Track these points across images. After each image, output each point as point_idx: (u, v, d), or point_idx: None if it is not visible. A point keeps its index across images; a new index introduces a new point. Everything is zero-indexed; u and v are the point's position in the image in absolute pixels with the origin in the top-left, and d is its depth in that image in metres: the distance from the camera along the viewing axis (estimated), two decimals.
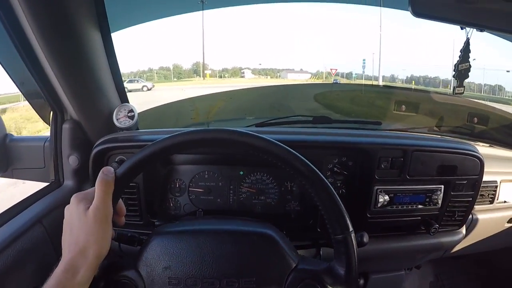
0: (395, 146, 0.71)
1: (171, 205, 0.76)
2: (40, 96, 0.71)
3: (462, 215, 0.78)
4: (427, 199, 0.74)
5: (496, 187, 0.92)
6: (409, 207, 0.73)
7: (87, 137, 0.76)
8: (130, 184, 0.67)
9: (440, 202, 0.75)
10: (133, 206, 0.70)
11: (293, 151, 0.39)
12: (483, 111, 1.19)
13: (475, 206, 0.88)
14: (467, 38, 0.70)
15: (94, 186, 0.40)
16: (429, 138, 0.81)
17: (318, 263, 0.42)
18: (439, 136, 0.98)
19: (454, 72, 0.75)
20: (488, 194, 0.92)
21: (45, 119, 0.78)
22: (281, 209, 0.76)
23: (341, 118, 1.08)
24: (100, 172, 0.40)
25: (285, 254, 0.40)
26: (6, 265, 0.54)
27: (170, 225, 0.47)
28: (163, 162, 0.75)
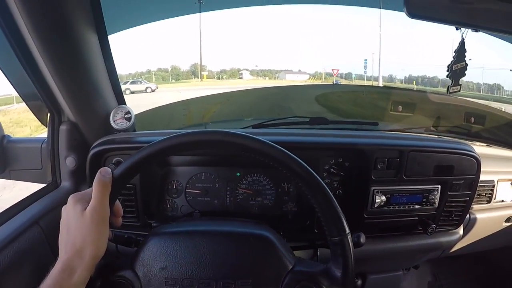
0: (391, 146, 0.71)
1: (168, 206, 0.76)
2: (37, 97, 0.71)
3: (459, 215, 0.79)
4: (424, 199, 0.74)
5: (494, 186, 0.92)
6: (406, 208, 0.74)
7: (84, 139, 0.76)
8: (127, 185, 0.68)
9: (437, 202, 0.75)
10: (130, 207, 0.70)
11: (289, 153, 0.39)
12: (480, 110, 1.19)
13: (472, 206, 0.88)
14: (462, 38, 0.70)
15: (91, 187, 0.40)
16: (425, 138, 0.81)
17: (315, 265, 0.42)
18: (436, 136, 0.98)
19: (447, 72, 0.76)
20: (486, 194, 0.92)
21: (42, 120, 0.79)
22: (278, 210, 0.76)
23: (338, 119, 1.08)
24: (97, 172, 0.40)
25: (282, 255, 0.40)
26: (3, 266, 0.54)
27: (167, 225, 0.47)
28: (160, 163, 0.75)
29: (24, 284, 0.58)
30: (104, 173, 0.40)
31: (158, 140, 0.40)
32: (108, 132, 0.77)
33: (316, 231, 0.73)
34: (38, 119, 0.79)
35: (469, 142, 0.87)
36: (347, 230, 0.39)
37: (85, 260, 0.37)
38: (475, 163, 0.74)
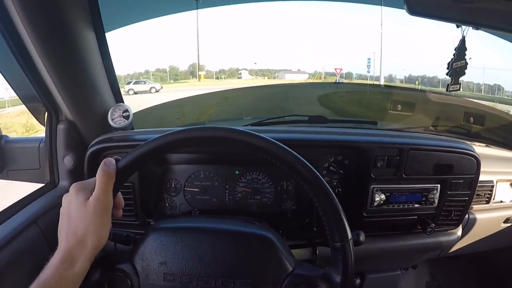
0: (391, 144, 0.71)
1: (167, 205, 0.76)
2: (35, 96, 0.71)
3: (458, 215, 0.78)
4: (424, 198, 0.74)
5: (493, 187, 0.92)
6: (405, 206, 0.73)
7: (82, 138, 0.76)
8: (125, 184, 0.67)
9: (436, 201, 0.75)
10: (129, 206, 0.70)
11: (296, 154, 0.39)
12: (479, 111, 1.19)
13: (471, 206, 0.88)
14: (462, 36, 0.70)
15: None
16: (425, 137, 0.81)
17: (315, 269, 0.42)
18: (436, 135, 0.98)
19: (448, 71, 0.75)
20: (485, 194, 0.92)
21: (40, 119, 0.78)
22: (277, 209, 0.76)
23: (337, 118, 1.08)
24: (101, 163, 0.40)
25: (282, 257, 0.40)
26: (1, 266, 0.54)
27: (168, 221, 0.47)
28: (159, 161, 0.75)
29: (23, 283, 0.57)
30: (108, 164, 0.40)
31: (165, 133, 0.40)
32: (106, 130, 0.76)
33: (315, 229, 0.72)
34: (36, 118, 0.79)
35: (468, 142, 0.87)
36: (350, 237, 0.39)
37: (87, 250, 0.37)
38: (475, 163, 0.74)
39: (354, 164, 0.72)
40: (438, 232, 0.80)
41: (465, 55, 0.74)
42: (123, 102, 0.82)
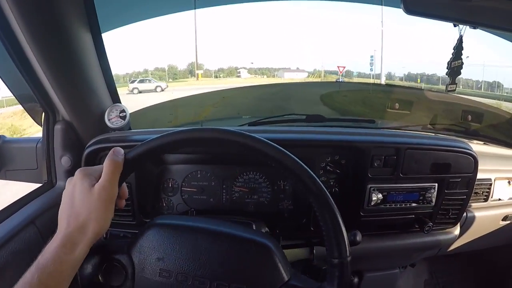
0: (388, 144, 0.70)
1: (164, 205, 0.76)
2: (32, 97, 0.71)
3: (456, 213, 0.78)
4: (421, 197, 0.74)
5: (491, 185, 0.92)
6: (403, 205, 0.73)
7: (79, 138, 0.76)
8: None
9: (434, 200, 0.74)
10: (126, 206, 0.69)
11: (304, 166, 0.39)
12: (477, 108, 1.19)
13: (469, 204, 0.88)
14: (460, 36, 0.70)
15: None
16: (422, 136, 0.81)
17: (310, 282, 0.42)
18: (433, 134, 0.98)
19: (447, 70, 0.75)
20: (483, 192, 0.92)
21: (37, 120, 0.78)
22: (274, 208, 0.76)
23: (335, 117, 1.08)
24: (110, 151, 0.40)
25: (279, 267, 0.40)
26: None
27: (170, 217, 0.46)
28: (156, 161, 0.75)
29: None
30: (117, 153, 0.40)
31: (175, 131, 0.40)
32: (103, 131, 0.76)
33: (312, 229, 0.72)
34: (33, 119, 0.79)
35: (466, 140, 0.87)
36: (348, 254, 0.39)
37: (87, 236, 0.37)
38: (472, 161, 0.74)
39: (351, 164, 0.71)
40: (436, 231, 0.80)
41: (462, 54, 0.74)
42: (120, 102, 0.82)
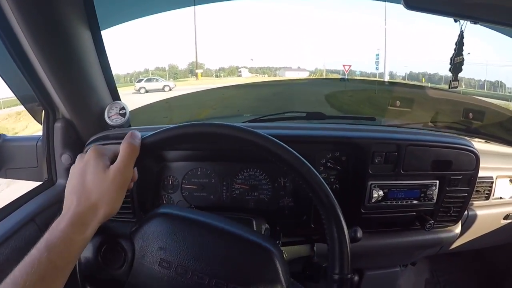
0: (389, 140, 0.70)
1: (164, 202, 0.76)
2: (32, 95, 0.71)
3: (457, 211, 0.78)
4: (422, 195, 0.74)
5: (492, 183, 0.91)
6: (404, 203, 0.73)
7: (79, 136, 0.76)
8: None
9: (435, 197, 0.74)
10: (126, 203, 0.70)
11: (319, 176, 0.39)
12: (478, 106, 1.18)
13: (471, 202, 0.87)
14: (461, 31, 0.69)
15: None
16: (423, 132, 0.80)
17: None
18: (435, 131, 0.97)
19: (450, 66, 0.75)
20: (484, 190, 0.91)
21: (37, 118, 0.78)
22: (274, 205, 0.76)
23: (335, 114, 1.08)
24: (127, 134, 0.39)
25: (279, 274, 0.40)
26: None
27: (179, 208, 0.46)
28: (156, 158, 0.75)
29: None
30: (134, 137, 0.39)
31: (193, 123, 0.40)
32: (103, 128, 0.76)
33: (312, 226, 0.72)
34: (33, 117, 0.79)
35: (467, 138, 0.86)
36: (349, 272, 0.39)
37: (98, 217, 0.36)
38: (474, 158, 0.74)
39: (351, 160, 0.71)
40: (437, 229, 0.79)
41: (463, 50, 0.73)
42: (119, 99, 0.82)
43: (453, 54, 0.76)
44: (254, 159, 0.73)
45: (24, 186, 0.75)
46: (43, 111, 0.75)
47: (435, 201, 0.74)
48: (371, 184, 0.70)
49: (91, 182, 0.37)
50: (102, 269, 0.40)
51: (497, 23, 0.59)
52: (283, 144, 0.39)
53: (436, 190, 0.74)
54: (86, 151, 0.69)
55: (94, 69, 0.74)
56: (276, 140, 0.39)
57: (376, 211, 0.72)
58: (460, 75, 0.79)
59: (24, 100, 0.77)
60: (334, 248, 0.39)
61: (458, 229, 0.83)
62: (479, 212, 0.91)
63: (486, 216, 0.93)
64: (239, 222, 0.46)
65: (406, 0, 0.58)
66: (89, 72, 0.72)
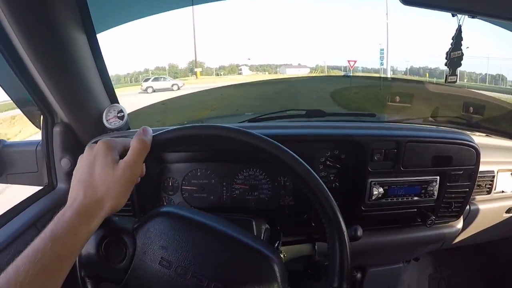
0: (388, 137, 0.70)
1: (165, 204, 0.76)
2: (30, 100, 0.71)
3: (459, 206, 0.78)
4: (423, 191, 0.73)
5: (493, 177, 0.91)
6: (405, 199, 0.73)
7: (78, 139, 0.76)
8: None
9: (436, 193, 0.74)
10: (126, 205, 0.69)
11: (325, 189, 0.39)
12: (479, 100, 1.18)
13: (472, 197, 0.87)
14: (459, 25, 0.68)
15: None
16: (423, 128, 0.80)
17: None
18: (435, 126, 0.97)
19: (446, 60, 0.74)
20: (485, 184, 0.91)
21: (35, 123, 0.78)
22: (274, 205, 0.76)
23: (335, 111, 1.07)
24: (139, 130, 0.39)
25: (278, 283, 0.40)
26: (1, 269, 0.54)
27: (184, 208, 0.46)
28: (156, 160, 0.75)
29: None
30: (146, 133, 0.39)
31: (206, 124, 0.40)
32: (101, 131, 0.76)
33: (313, 224, 0.72)
34: (32, 122, 0.79)
35: (468, 133, 0.86)
36: (348, 285, 0.39)
37: (104, 210, 0.36)
38: (474, 153, 0.73)
39: (351, 158, 0.71)
40: (439, 224, 0.79)
41: (461, 45, 0.72)
42: (117, 102, 0.82)
43: (450, 48, 0.76)
44: (254, 159, 0.73)
45: (19, 193, 0.75)
46: (41, 116, 0.75)
47: (436, 197, 0.74)
48: (371, 181, 0.70)
49: (99, 176, 0.37)
50: (102, 262, 0.40)
51: (494, 17, 0.58)
52: (292, 154, 0.39)
53: (437, 186, 0.74)
54: None
55: (91, 72, 0.73)
56: (285, 148, 0.39)
57: (376, 208, 0.72)
58: (461, 69, 0.78)
59: (22, 105, 0.77)
60: (334, 259, 0.39)
61: (460, 224, 0.83)
62: (481, 207, 0.91)
63: (488, 210, 0.93)
64: (239, 224, 0.46)
65: None
66: (86, 76, 0.72)
